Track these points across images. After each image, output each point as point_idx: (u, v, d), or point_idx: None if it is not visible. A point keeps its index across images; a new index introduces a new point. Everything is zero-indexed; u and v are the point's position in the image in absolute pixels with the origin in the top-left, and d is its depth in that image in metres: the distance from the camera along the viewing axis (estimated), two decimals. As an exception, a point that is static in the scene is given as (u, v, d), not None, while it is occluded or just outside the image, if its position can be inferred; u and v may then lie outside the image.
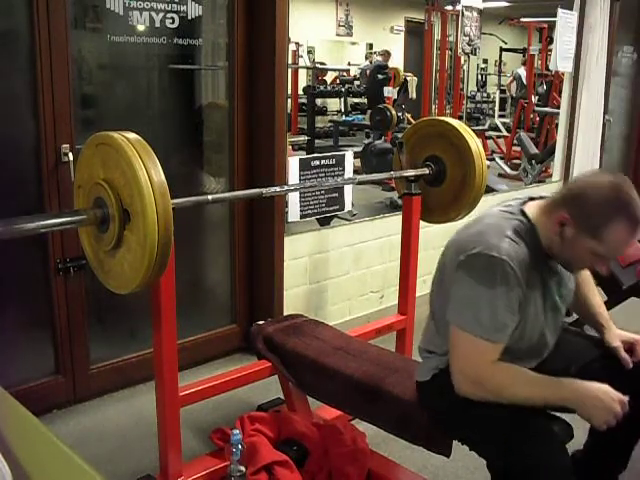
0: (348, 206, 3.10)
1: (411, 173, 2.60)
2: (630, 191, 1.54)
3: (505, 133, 8.85)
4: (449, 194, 2.64)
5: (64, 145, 2.47)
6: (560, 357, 1.79)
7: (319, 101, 8.90)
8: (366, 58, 10.27)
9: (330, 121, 9.45)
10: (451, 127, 2.58)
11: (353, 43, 10.87)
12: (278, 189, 2.47)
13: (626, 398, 1.52)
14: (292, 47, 8.02)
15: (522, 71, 9.39)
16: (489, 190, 3.63)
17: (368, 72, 7.89)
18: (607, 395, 1.52)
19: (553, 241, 1.62)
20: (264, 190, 2.21)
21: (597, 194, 1.55)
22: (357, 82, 9.44)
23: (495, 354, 1.59)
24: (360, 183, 4.04)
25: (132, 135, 1.64)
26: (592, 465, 1.90)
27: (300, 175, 2.80)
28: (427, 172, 2.62)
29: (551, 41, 5.97)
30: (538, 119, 8.46)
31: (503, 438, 1.57)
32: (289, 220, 2.92)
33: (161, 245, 1.59)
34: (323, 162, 2.87)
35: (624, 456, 1.93)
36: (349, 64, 10.35)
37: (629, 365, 1.76)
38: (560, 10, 4.25)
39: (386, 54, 8.71)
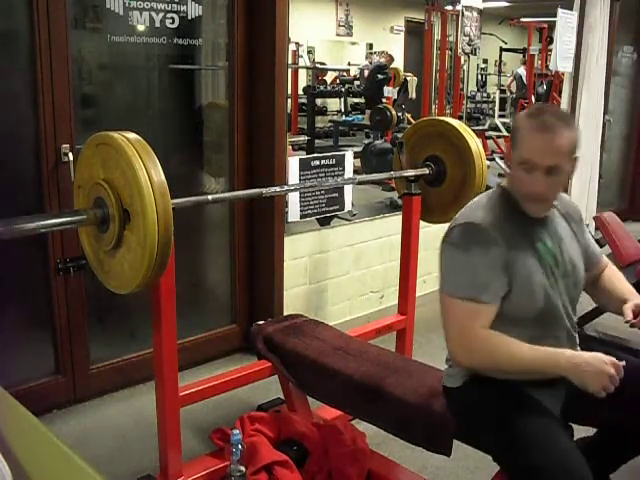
0: (348, 206, 3.09)
1: (411, 173, 2.60)
2: (547, 106, 1.72)
3: (505, 133, 8.85)
4: (449, 194, 2.64)
5: (64, 145, 2.47)
6: None
7: (319, 101, 8.91)
8: (366, 58, 10.28)
9: (330, 121, 9.46)
10: (451, 127, 2.58)
11: (353, 43, 10.89)
12: (278, 189, 2.48)
13: (622, 363, 1.49)
14: (292, 47, 8.03)
15: (522, 71, 9.40)
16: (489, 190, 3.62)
17: (366, 72, 7.89)
18: (598, 359, 1.49)
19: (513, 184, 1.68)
20: (264, 190, 2.21)
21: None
22: (357, 82, 9.45)
23: (483, 317, 1.59)
24: (360, 183, 4.03)
25: (132, 135, 1.64)
26: (589, 457, 1.89)
27: (300, 175, 2.79)
28: (427, 172, 2.62)
29: (551, 41, 5.98)
30: (538, 119, 8.45)
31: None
32: (289, 220, 2.91)
33: (161, 245, 1.59)
34: (323, 162, 2.86)
35: (621, 461, 1.92)
36: (349, 64, 10.36)
37: (629, 317, 1.68)
38: (560, 10, 4.24)
39: (389, 57, 8.70)
